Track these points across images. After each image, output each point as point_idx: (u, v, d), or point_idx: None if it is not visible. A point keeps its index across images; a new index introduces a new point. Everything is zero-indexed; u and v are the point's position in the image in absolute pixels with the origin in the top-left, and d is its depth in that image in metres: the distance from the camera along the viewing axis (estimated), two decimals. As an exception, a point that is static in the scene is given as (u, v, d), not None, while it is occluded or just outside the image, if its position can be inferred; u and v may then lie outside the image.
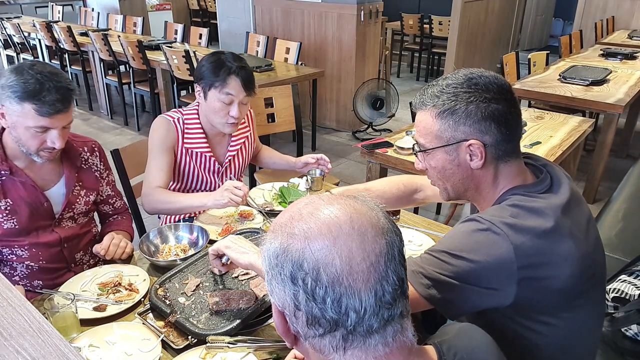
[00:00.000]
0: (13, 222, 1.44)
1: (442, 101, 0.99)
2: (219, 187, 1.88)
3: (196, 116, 1.84)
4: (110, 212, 1.73)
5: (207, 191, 1.93)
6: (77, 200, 1.56)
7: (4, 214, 1.42)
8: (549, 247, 0.91)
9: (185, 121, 1.83)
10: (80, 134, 1.66)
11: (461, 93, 0.97)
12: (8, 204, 1.42)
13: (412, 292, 0.93)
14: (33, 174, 1.46)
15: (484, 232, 0.92)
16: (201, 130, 1.84)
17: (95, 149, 1.64)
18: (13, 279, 1.54)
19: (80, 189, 1.56)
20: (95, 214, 1.72)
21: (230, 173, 1.97)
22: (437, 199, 1.47)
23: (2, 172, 1.41)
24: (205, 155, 1.87)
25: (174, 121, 1.81)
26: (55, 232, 1.52)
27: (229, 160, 1.93)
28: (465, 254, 0.91)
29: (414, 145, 1.10)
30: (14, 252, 1.49)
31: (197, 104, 1.84)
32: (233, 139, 1.93)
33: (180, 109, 1.87)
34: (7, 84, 1.31)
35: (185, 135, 1.82)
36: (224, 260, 1.23)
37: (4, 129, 1.43)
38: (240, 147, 1.96)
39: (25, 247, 1.49)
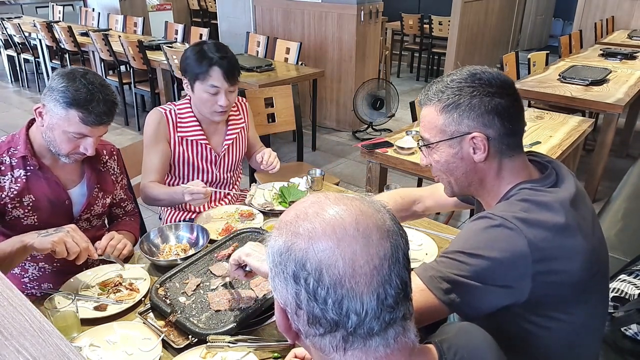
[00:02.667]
0: (33, 219, 1.44)
1: (446, 96, 1.01)
2: (216, 176, 1.95)
3: (189, 107, 1.87)
4: (121, 215, 1.74)
5: (205, 181, 1.95)
6: (96, 202, 1.57)
7: (26, 210, 1.43)
8: (560, 241, 0.92)
9: (178, 112, 1.86)
10: None
11: (465, 87, 0.99)
12: (31, 199, 1.43)
13: (431, 299, 0.92)
14: (57, 172, 1.47)
15: (497, 228, 0.92)
16: (195, 120, 1.87)
17: (114, 152, 1.65)
18: (22, 280, 1.54)
19: (99, 191, 1.57)
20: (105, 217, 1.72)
21: (227, 162, 1.99)
22: (438, 208, 1.48)
23: (31, 167, 1.42)
24: (201, 144, 1.89)
25: (165, 113, 1.84)
26: None
27: (226, 149, 1.95)
28: (481, 251, 0.92)
29: (418, 141, 1.11)
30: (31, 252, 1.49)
31: (189, 96, 1.87)
32: (229, 128, 1.96)
33: (173, 102, 1.90)
34: (57, 87, 1.32)
35: (179, 126, 1.85)
36: (247, 269, 1.17)
37: (30, 124, 1.44)
38: (236, 136, 1.98)
39: None
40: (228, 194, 2.01)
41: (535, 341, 0.98)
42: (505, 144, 1.01)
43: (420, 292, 0.93)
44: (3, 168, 1.40)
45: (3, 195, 1.39)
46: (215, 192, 1.92)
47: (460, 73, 1.02)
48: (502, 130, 0.99)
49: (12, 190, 1.40)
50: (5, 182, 1.40)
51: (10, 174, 1.40)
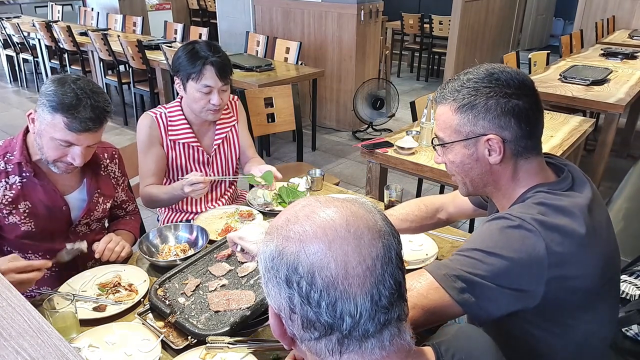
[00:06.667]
0: (30, 225, 1.43)
1: (462, 95, 0.98)
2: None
3: (179, 109, 1.87)
4: (122, 215, 1.74)
5: None
6: (96, 207, 1.56)
7: (22, 217, 1.42)
8: (577, 247, 0.90)
9: (169, 115, 1.86)
10: None
11: (482, 88, 0.97)
12: (27, 206, 1.42)
13: (445, 298, 0.90)
14: (54, 177, 1.45)
15: (515, 229, 0.91)
16: (185, 122, 1.87)
17: (115, 155, 1.64)
18: None
19: (99, 196, 1.56)
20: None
21: (220, 162, 1.98)
22: (460, 216, 1.44)
23: (26, 173, 1.40)
24: (192, 146, 1.89)
25: (156, 117, 1.84)
26: (70, 239, 1.51)
27: (216, 148, 1.95)
28: (499, 250, 0.90)
29: (433, 138, 1.09)
30: (28, 257, 1.49)
31: (180, 97, 1.87)
32: (218, 127, 1.95)
33: (163, 105, 1.90)
34: (45, 91, 1.31)
35: (170, 129, 1.85)
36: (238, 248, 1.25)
37: (27, 129, 1.43)
38: (226, 135, 1.97)
39: (40, 253, 1.48)
40: (225, 180, 2.00)
41: (543, 347, 0.96)
42: (521, 146, 0.98)
43: (434, 290, 0.90)
44: None
45: None
46: (213, 180, 1.93)
47: (477, 72, 0.99)
48: (519, 132, 0.96)
49: (6, 197, 1.39)
50: None
51: (5, 181, 1.39)
